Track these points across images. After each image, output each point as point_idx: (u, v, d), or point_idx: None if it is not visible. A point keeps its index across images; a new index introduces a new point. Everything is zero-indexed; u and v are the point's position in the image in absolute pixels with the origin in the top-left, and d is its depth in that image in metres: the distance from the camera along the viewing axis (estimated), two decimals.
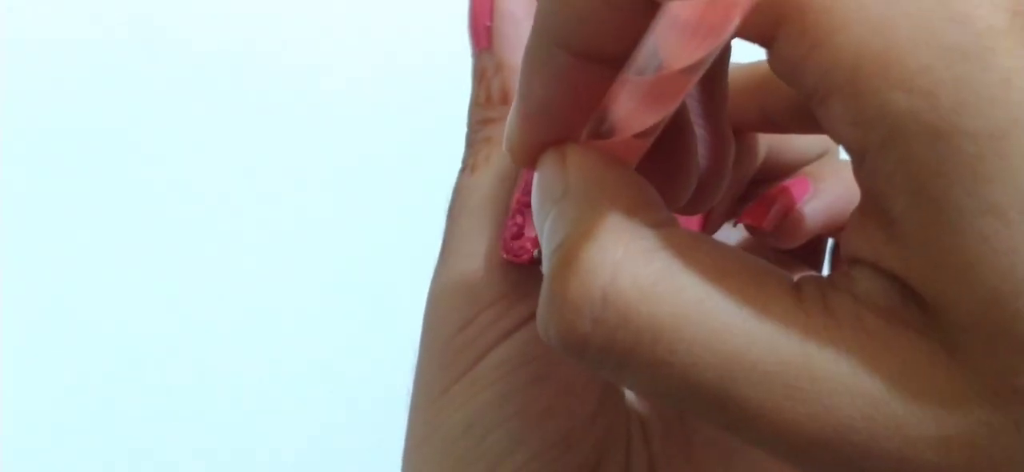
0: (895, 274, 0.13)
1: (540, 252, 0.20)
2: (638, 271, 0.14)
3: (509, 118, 0.17)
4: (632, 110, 0.15)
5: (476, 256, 0.21)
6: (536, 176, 0.17)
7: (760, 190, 0.25)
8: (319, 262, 0.56)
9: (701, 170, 0.20)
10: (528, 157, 0.17)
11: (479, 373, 0.20)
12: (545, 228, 0.16)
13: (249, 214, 0.56)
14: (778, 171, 0.26)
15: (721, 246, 0.15)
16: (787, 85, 0.14)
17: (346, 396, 0.54)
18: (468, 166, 0.23)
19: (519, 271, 0.21)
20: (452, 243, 0.22)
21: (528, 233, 0.20)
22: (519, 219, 0.20)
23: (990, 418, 0.13)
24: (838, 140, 0.14)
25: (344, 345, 0.55)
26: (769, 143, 0.25)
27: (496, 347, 0.20)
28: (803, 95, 0.14)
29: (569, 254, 0.15)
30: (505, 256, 0.20)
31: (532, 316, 0.21)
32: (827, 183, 0.25)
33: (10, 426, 0.51)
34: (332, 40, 0.58)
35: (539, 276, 0.21)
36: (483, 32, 0.23)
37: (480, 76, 0.23)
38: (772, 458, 0.23)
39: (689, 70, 0.14)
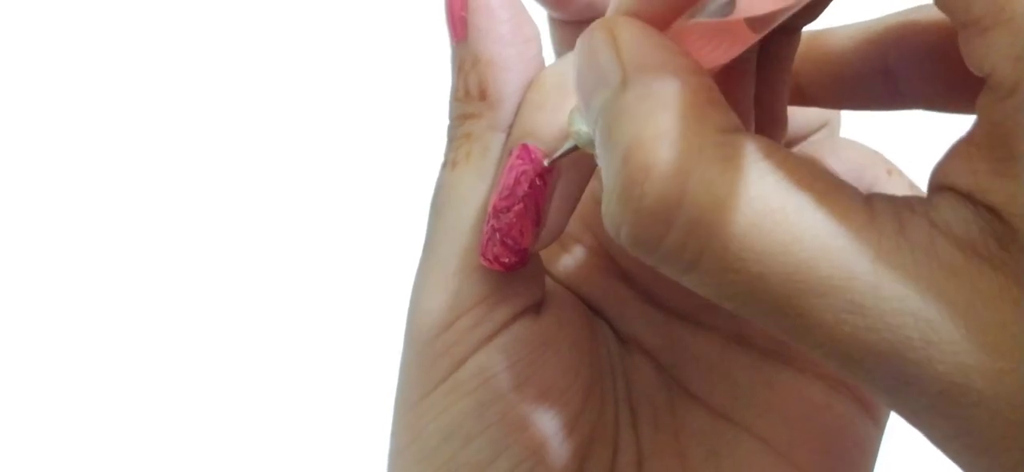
0: (993, 207, 0.14)
1: (513, 260, 0.20)
2: (713, 178, 0.14)
3: None
4: None
5: (455, 256, 0.21)
6: (578, 49, 0.16)
7: None
8: (316, 261, 0.56)
9: None
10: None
11: (459, 379, 0.20)
12: (601, 120, 0.15)
13: (244, 214, 0.56)
14: None
15: (794, 156, 0.15)
16: (943, 12, 0.14)
17: (343, 396, 0.53)
18: (449, 162, 0.22)
19: (499, 273, 0.20)
20: (432, 241, 0.22)
21: (505, 239, 0.20)
22: (495, 224, 0.20)
23: None
24: (984, 70, 0.14)
25: (341, 343, 0.54)
26: None
27: (475, 353, 0.20)
28: (960, 23, 0.14)
29: (644, 157, 0.14)
30: (483, 262, 0.20)
31: (512, 319, 0.21)
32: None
33: (8, 427, 0.52)
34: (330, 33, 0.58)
35: (519, 276, 0.21)
36: (459, 23, 0.22)
37: (458, 69, 0.22)
38: (767, 443, 0.23)
39: None
